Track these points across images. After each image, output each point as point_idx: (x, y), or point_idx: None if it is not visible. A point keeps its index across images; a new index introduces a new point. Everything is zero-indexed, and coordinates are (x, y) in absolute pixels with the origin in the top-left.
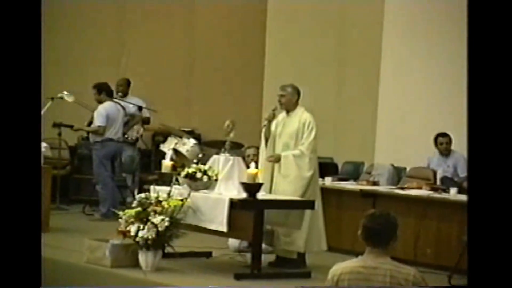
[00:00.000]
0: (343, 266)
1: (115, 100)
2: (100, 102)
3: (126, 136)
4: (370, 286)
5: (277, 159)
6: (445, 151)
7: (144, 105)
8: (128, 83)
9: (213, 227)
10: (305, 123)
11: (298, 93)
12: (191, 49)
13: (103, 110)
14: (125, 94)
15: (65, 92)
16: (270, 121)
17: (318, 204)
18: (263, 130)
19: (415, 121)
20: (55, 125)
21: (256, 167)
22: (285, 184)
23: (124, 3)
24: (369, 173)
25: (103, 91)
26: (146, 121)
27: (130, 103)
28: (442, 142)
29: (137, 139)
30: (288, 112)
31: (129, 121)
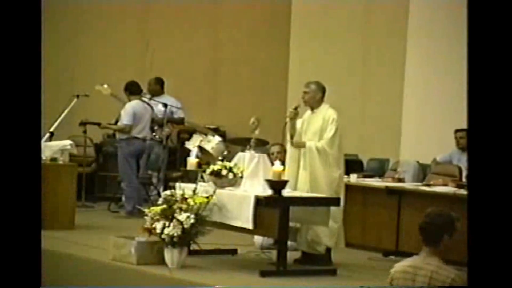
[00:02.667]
0: (398, 265)
1: (143, 99)
2: (130, 100)
3: (154, 134)
4: (413, 286)
5: (301, 145)
6: (464, 146)
7: (179, 106)
8: (159, 82)
9: (238, 224)
10: (329, 120)
11: (323, 90)
12: (215, 46)
13: (130, 109)
14: (157, 94)
15: (104, 85)
16: (292, 119)
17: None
18: (286, 127)
19: (441, 117)
20: (82, 123)
21: (282, 164)
22: (312, 181)
23: (148, 3)
24: (395, 170)
25: (127, 90)
26: (179, 121)
27: (159, 102)
28: (462, 136)
29: (166, 138)
30: (312, 109)
31: (159, 120)
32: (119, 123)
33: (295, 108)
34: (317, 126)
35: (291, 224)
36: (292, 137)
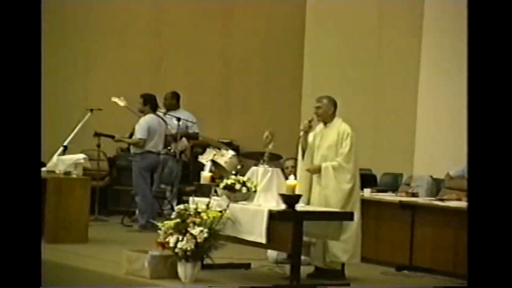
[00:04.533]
0: None
1: (157, 113)
2: (142, 112)
3: (169, 148)
4: None
5: (316, 170)
6: None
7: (194, 120)
8: (175, 96)
9: (252, 238)
10: (344, 135)
11: (335, 104)
12: (228, 60)
13: (145, 123)
14: (173, 108)
15: (121, 97)
16: (306, 132)
17: (357, 216)
18: (300, 141)
19: (455, 132)
20: (96, 134)
21: (295, 178)
22: (326, 196)
23: (160, 13)
24: (408, 184)
25: (148, 103)
26: (194, 136)
27: (174, 116)
28: None
29: (181, 153)
30: (325, 123)
31: (174, 134)
32: (133, 137)
33: (310, 121)
34: (331, 140)
35: (305, 239)
36: (304, 151)
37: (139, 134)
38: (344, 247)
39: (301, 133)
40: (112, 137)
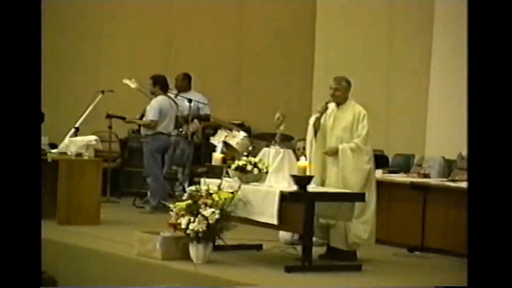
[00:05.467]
0: None
1: (168, 94)
2: (153, 93)
3: (181, 130)
4: None
5: (334, 152)
6: None
7: (206, 102)
8: (186, 77)
9: (263, 219)
10: (360, 117)
11: (350, 86)
12: (240, 41)
13: (157, 104)
14: (184, 89)
15: (132, 79)
16: (322, 113)
17: (374, 197)
18: (313, 121)
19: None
20: (108, 116)
21: (306, 159)
22: (344, 177)
23: (172, 1)
24: (420, 165)
25: (158, 84)
26: (205, 118)
27: (185, 97)
28: None
29: (192, 134)
30: (338, 105)
31: (185, 116)
32: (144, 118)
33: (327, 103)
34: (347, 121)
35: (323, 221)
36: (316, 132)
37: (150, 115)
38: (365, 228)
39: (318, 114)
40: (123, 118)
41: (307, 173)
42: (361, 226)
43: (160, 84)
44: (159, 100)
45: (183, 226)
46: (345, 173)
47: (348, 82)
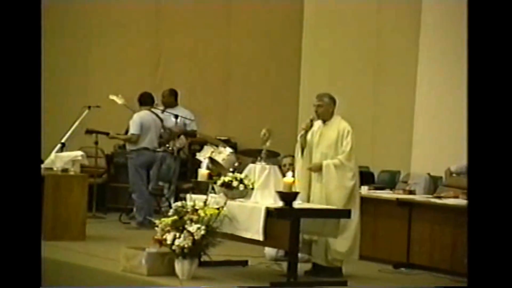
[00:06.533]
0: None
1: (152, 110)
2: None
3: (168, 146)
4: None
5: (318, 168)
6: None
7: (192, 118)
8: (173, 93)
9: (249, 235)
10: (344, 133)
11: (334, 102)
12: (226, 58)
13: (138, 118)
14: (171, 105)
15: (119, 95)
16: (307, 131)
17: (356, 213)
18: (299, 139)
19: (452, 129)
20: (88, 131)
21: (293, 176)
22: (327, 194)
23: (160, 11)
24: (406, 182)
25: (139, 101)
26: (192, 134)
27: (171, 113)
28: None
29: (179, 150)
30: (324, 121)
31: (172, 132)
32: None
33: (311, 120)
34: (331, 138)
35: (306, 237)
36: (303, 149)
37: (132, 129)
38: (345, 244)
39: (302, 132)
40: (107, 134)
41: (293, 190)
42: (341, 241)
43: (140, 101)
44: (141, 115)
45: (168, 242)
46: (329, 190)
47: (332, 98)
